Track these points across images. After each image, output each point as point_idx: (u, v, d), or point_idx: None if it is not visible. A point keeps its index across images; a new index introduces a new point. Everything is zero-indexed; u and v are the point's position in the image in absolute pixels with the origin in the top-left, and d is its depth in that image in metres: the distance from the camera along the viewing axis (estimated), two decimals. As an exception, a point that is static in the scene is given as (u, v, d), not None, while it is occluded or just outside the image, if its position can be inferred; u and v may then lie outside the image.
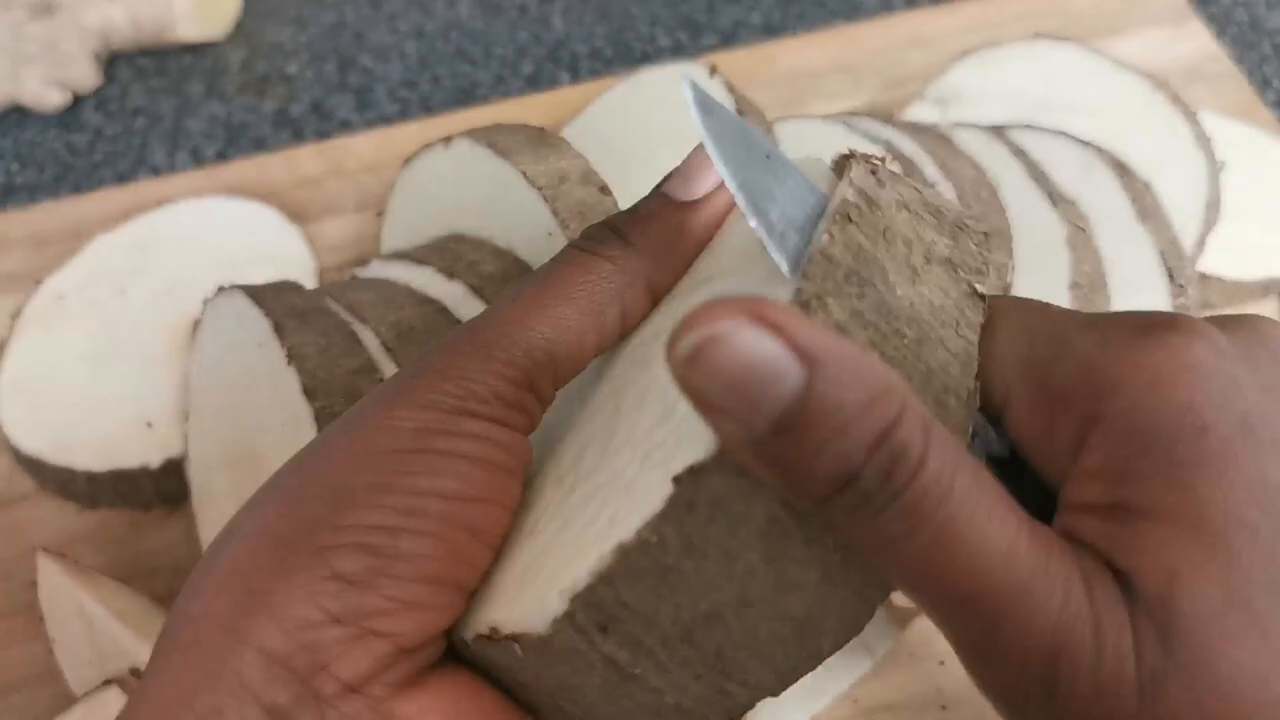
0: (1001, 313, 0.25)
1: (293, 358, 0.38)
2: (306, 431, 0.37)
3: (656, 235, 0.28)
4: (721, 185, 0.28)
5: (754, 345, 0.19)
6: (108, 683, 0.40)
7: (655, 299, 0.28)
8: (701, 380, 0.19)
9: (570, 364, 0.26)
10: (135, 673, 0.40)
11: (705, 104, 0.24)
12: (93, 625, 0.39)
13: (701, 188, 0.28)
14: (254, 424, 0.41)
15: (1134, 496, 0.21)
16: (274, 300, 0.41)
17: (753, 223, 0.23)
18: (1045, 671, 0.21)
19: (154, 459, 0.47)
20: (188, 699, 0.22)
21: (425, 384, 0.25)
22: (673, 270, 0.28)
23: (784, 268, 0.23)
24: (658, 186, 0.29)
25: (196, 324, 0.46)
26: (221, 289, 0.44)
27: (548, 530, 0.24)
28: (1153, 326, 0.22)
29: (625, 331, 0.28)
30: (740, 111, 0.47)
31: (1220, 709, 0.20)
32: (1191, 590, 0.20)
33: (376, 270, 0.46)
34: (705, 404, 0.19)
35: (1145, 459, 0.21)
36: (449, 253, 0.43)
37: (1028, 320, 0.24)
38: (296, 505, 0.24)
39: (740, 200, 0.23)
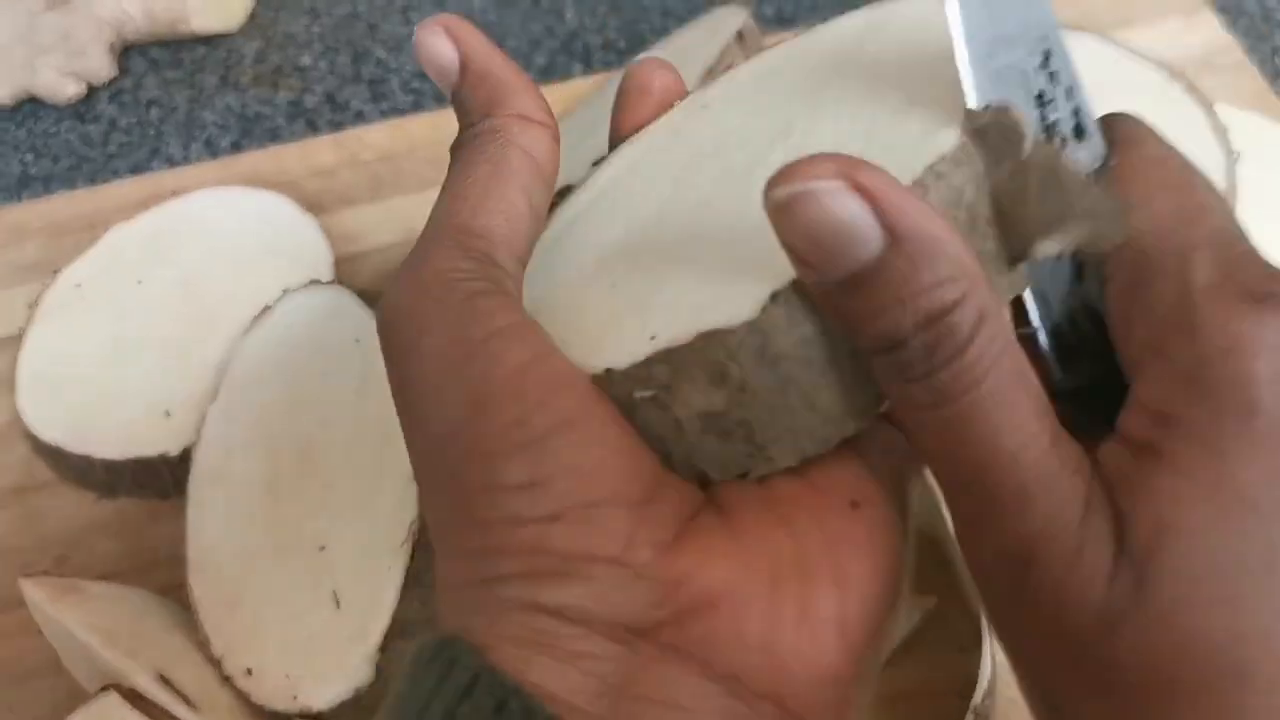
0: (1147, 176, 0.24)
1: None
2: (390, 431, 0.39)
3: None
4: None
5: (843, 210, 0.20)
6: (106, 688, 0.40)
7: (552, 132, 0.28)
8: (788, 228, 0.21)
9: (514, 237, 0.26)
10: (123, 690, 0.40)
11: None
12: (85, 645, 0.40)
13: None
14: (315, 416, 0.42)
15: (1166, 444, 0.21)
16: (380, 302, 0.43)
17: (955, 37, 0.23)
18: (1017, 573, 0.22)
19: (173, 447, 0.47)
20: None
21: (422, 293, 0.25)
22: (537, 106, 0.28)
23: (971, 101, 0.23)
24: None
25: (265, 309, 0.47)
26: (313, 282, 0.45)
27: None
28: (1262, 295, 0.22)
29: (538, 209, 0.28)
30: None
31: (1170, 669, 0.20)
32: (1178, 549, 0.21)
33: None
34: (787, 246, 0.21)
35: (1191, 413, 0.21)
36: None
37: (1169, 218, 0.24)
38: (431, 463, 0.24)
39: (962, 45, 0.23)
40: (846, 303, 0.21)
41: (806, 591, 0.22)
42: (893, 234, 0.20)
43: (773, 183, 0.21)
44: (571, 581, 0.22)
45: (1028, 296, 0.25)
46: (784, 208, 0.21)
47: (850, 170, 0.20)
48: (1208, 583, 0.20)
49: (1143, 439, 0.22)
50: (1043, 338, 0.26)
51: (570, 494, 0.22)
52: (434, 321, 0.24)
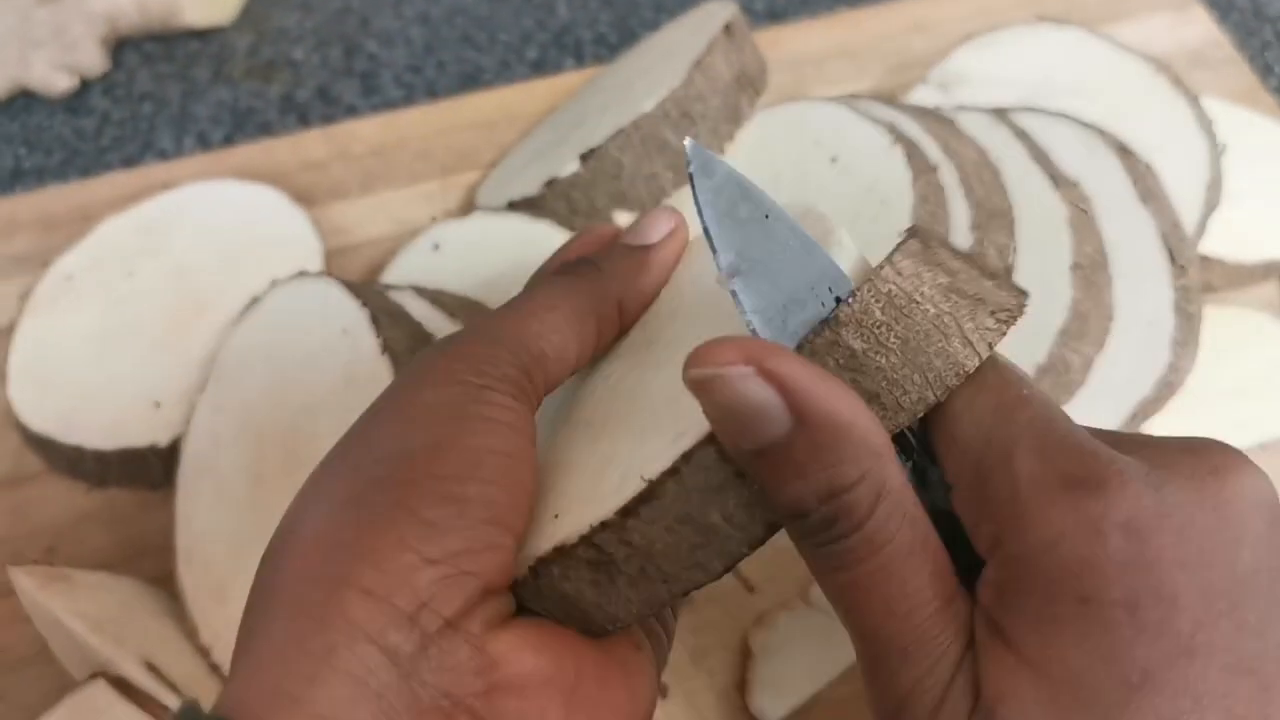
0: (968, 403, 0.26)
1: (386, 349, 0.41)
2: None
3: (622, 264, 0.32)
4: (672, 232, 0.33)
5: (751, 394, 0.23)
6: (94, 675, 0.40)
7: (625, 318, 0.32)
8: (705, 403, 0.23)
9: (559, 364, 0.29)
10: (111, 678, 0.40)
11: (706, 165, 0.26)
12: (73, 634, 0.40)
13: (654, 236, 0.33)
14: (303, 407, 0.42)
15: (1007, 621, 0.23)
16: (368, 295, 0.44)
17: (744, 309, 0.25)
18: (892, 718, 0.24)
19: (162, 438, 0.47)
20: (301, 644, 0.23)
21: (450, 365, 0.28)
22: (638, 293, 0.32)
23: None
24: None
25: (254, 301, 0.47)
26: (302, 273, 0.46)
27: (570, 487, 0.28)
28: (1079, 482, 0.23)
29: (602, 344, 0.31)
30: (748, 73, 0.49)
31: None
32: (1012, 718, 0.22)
33: (484, 223, 0.48)
34: (707, 415, 0.24)
35: (1025, 600, 0.23)
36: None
37: (989, 417, 0.25)
38: (364, 470, 0.26)
39: (729, 282, 0.25)
40: (757, 470, 0.24)
41: (602, 695, 0.26)
42: (799, 416, 0.23)
43: (688, 363, 0.23)
44: (413, 630, 0.23)
45: None
46: (699, 387, 0.23)
47: (760, 356, 0.23)
48: None
49: (991, 614, 0.24)
50: None
51: (454, 552, 0.24)
52: (444, 382, 0.27)
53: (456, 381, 0.27)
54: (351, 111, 0.65)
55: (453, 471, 0.25)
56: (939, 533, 0.26)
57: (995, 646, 0.23)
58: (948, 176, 0.45)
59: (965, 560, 0.25)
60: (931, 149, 0.46)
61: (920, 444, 0.26)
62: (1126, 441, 0.25)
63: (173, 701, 0.40)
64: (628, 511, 0.25)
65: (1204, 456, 0.24)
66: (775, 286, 0.25)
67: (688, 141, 0.27)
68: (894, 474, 0.24)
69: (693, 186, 0.26)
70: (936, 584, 0.24)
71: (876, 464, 0.23)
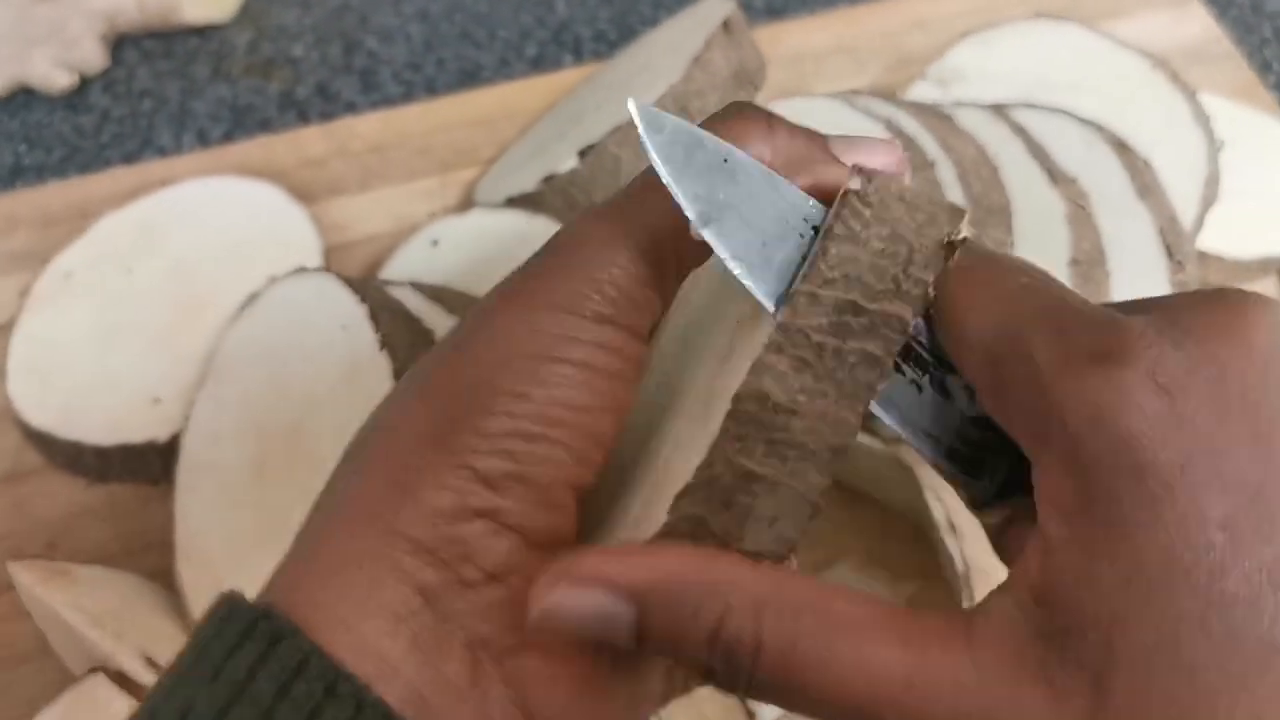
0: (966, 282, 0.24)
1: (385, 345, 0.41)
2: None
3: (804, 140, 0.27)
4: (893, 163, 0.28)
5: (580, 604, 0.23)
6: (94, 670, 0.40)
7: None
8: (565, 634, 0.23)
9: (698, 248, 0.25)
10: (110, 672, 0.40)
11: (653, 120, 0.25)
12: (73, 628, 0.40)
13: (851, 159, 0.26)
14: (302, 402, 0.42)
15: (1083, 536, 0.21)
16: (367, 290, 0.44)
17: (723, 256, 0.24)
18: None
19: (161, 434, 0.47)
20: (345, 572, 0.23)
21: (563, 285, 0.25)
22: (812, 178, 0.26)
23: (768, 305, 0.24)
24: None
25: (252, 297, 0.47)
26: (301, 270, 0.47)
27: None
28: (1104, 354, 0.22)
29: None
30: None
31: None
32: (1126, 639, 0.21)
33: (483, 219, 0.49)
34: (569, 637, 0.24)
35: (1088, 498, 0.21)
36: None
37: (995, 307, 0.24)
38: (441, 403, 0.25)
39: (702, 231, 0.24)
40: (658, 654, 0.23)
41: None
42: (633, 597, 0.22)
43: (528, 610, 0.23)
44: (452, 579, 0.23)
45: (909, 438, 0.26)
46: (546, 624, 0.23)
47: (568, 569, 0.23)
48: (1157, 658, 0.21)
49: (1060, 536, 0.22)
50: (943, 465, 0.26)
51: (506, 510, 0.24)
52: (541, 308, 0.25)
53: (567, 310, 0.25)
54: (351, 108, 0.65)
55: (525, 428, 0.24)
56: (974, 439, 0.25)
57: (1053, 560, 0.22)
58: (945, 172, 0.46)
59: (1009, 463, 0.25)
60: (930, 145, 0.46)
61: (934, 355, 0.25)
62: (1137, 307, 0.24)
63: None
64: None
65: (1220, 303, 0.23)
66: (749, 226, 0.25)
67: (630, 101, 0.25)
68: (758, 581, 0.23)
69: (643, 144, 0.25)
70: (885, 624, 0.22)
71: (733, 587, 0.22)
